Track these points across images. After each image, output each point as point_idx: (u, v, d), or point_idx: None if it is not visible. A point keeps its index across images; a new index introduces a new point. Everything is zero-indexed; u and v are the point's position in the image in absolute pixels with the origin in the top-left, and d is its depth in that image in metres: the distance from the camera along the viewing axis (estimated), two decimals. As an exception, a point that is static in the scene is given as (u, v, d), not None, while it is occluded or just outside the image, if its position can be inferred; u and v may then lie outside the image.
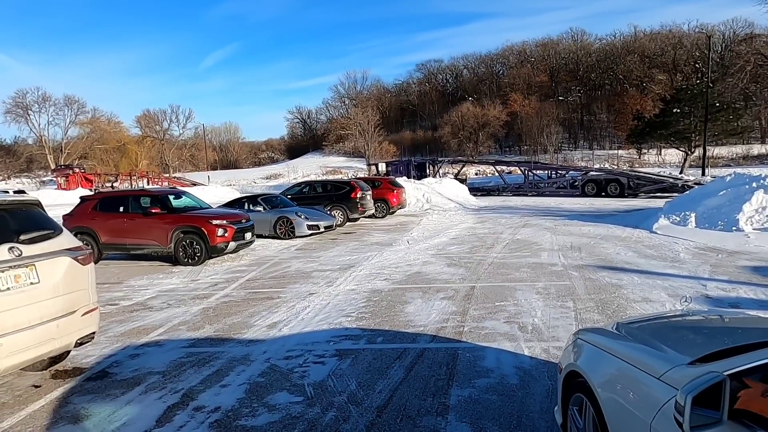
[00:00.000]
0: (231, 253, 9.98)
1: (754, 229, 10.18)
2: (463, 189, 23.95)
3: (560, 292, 6.38)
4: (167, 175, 57.46)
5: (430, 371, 4.04)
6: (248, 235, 10.15)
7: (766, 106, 52.50)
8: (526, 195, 26.26)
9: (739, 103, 40.36)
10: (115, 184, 41.05)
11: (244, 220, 10.17)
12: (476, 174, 44.31)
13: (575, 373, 2.49)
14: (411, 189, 20.56)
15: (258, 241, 11.45)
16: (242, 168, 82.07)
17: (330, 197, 15.55)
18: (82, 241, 4.58)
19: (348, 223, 15.38)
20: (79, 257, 4.08)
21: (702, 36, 48.14)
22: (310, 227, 12.58)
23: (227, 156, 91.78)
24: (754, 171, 14.54)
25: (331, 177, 45.03)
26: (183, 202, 10.62)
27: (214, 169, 74.88)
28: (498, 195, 27.16)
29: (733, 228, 10.33)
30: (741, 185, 11.74)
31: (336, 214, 14.60)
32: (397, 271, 8.12)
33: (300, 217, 12.56)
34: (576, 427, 2.51)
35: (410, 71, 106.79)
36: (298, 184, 17.86)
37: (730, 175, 13.56)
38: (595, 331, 2.67)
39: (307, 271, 8.37)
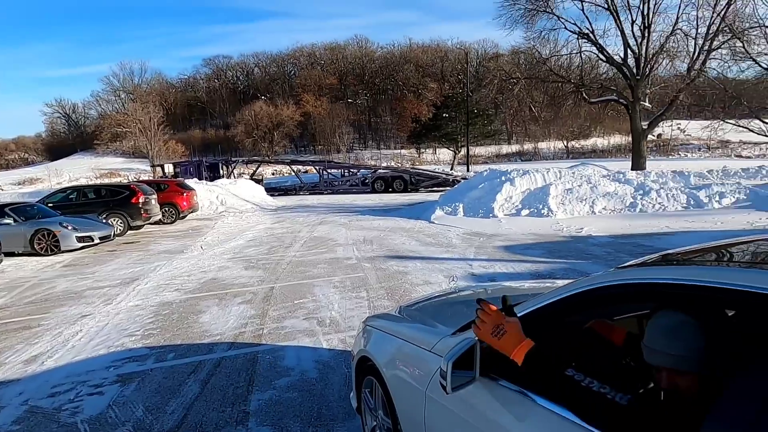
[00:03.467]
0: (-32, 278, 8.02)
1: (504, 215, 12.32)
2: (260, 189, 23.54)
3: (355, 283, 6.75)
4: None
5: (229, 380, 3.87)
6: (-7, 255, 8.28)
7: (511, 114, 63.93)
8: (322, 193, 27.10)
9: (490, 111, 48.33)
10: None
11: (-15, 237, 8.25)
12: (273, 174, 43.98)
13: (365, 358, 2.66)
14: (203, 191, 19.37)
15: (8, 261, 9.45)
16: (-18, 172, 66.38)
17: (106, 203, 13.65)
18: None
19: (130, 232, 13.73)
20: None
21: (462, 52, 56.24)
22: (80, 239, 10.84)
23: (-42, 157, 73.23)
24: (504, 167, 17.61)
25: (106, 181, 39.73)
26: None
27: (-61, 174, 59.03)
28: (295, 194, 27.44)
29: (490, 215, 12.35)
30: (494, 179, 14.10)
31: (114, 223, 12.91)
32: (190, 279, 7.57)
33: (66, 228, 10.73)
34: (368, 407, 2.69)
35: (196, 66, 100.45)
36: (63, 190, 15.27)
37: (486, 170, 16.17)
38: (381, 317, 2.89)
39: (78, 290, 7.21)
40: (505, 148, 59.50)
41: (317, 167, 29.93)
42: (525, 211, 12.31)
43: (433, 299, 3.24)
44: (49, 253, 10.55)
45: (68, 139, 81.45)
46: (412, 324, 2.49)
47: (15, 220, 10.72)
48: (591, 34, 22.26)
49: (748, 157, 36.45)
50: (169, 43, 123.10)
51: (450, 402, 1.82)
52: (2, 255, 8.72)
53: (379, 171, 28.31)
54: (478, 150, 51.22)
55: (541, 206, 12.19)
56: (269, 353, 4.40)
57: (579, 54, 23.72)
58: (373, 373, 2.57)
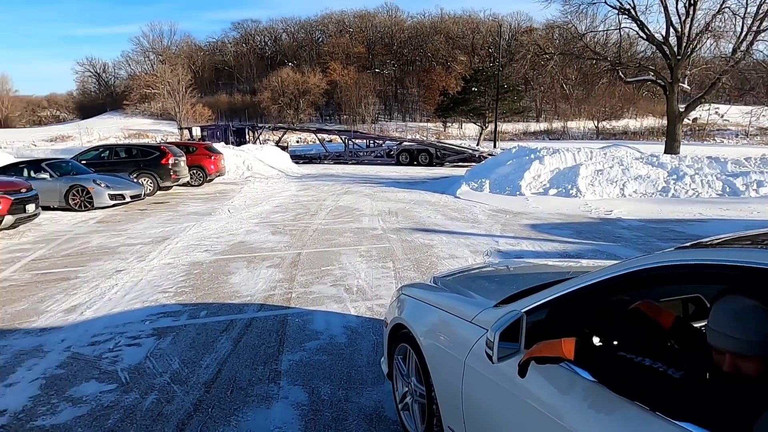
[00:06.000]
0: (7, 229, 8.32)
1: (532, 194, 12.16)
2: (285, 156, 23.67)
3: (381, 254, 6.80)
4: None
5: (260, 340, 3.98)
6: (31, 208, 8.57)
7: (541, 90, 62.38)
8: (347, 163, 27.07)
9: (521, 87, 47.24)
10: None
11: (24, 190, 8.55)
12: (297, 141, 44.06)
13: (400, 326, 2.70)
14: (230, 155, 19.56)
15: (45, 215, 9.75)
16: (15, 128, 68.07)
17: (136, 163, 13.90)
18: None
19: (159, 192, 14.02)
20: None
21: (494, 24, 54.69)
22: (112, 197, 11.12)
23: (-7, 112, 75.05)
24: (532, 145, 17.29)
25: (136, 141, 40.38)
26: (-69, 167, 8.43)
27: (-25, 127, 60.76)
28: (320, 163, 27.48)
29: (517, 192, 12.20)
30: (523, 156, 13.87)
31: (144, 183, 13.17)
32: (219, 241, 7.72)
33: (99, 185, 11.00)
34: (401, 373, 2.74)
35: (225, 30, 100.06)
36: (95, 148, 15.61)
37: (514, 147, 15.90)
38: (416, 286, 2.92)
39: (113, 246, 7.44)
40: (533, 126, 58.26)
41: (343, 137, 29.79)
42: (553, 191, 12.13)
43: (465, 272, 3.25)
44: (83, 209, 10.86)
45: (98, 98, 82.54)
46: (449, 294, 2.50)
47: (51, 176, 11.04)
48: (632, 10, 21.35)
49: (789, 146, 35.04)
50: (199, 5, 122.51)
51: (490, 372, 1.84)
52: (40, 209, 9.00)
53: (405, 143, 28.07)
54: (505, 126, 50.29)
55: (569, 186, 11.99)
56: (298, 316, 4.49)
57: (618, 30, 22.84)
58: (408, 341, 2.61)
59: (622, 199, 11.39)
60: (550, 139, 47.28)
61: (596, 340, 1.62)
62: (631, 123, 53.99)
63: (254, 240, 7.79)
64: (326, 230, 8.51)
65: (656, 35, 21.57)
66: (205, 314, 4.59)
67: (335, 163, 27.09)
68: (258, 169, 19.96)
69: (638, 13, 21.33)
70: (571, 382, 1.55)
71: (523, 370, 1.62)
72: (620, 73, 23.39)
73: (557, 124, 56.73)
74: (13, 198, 8.08)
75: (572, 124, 55.30)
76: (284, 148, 27.15)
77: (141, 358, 3.68)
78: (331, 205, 11.52)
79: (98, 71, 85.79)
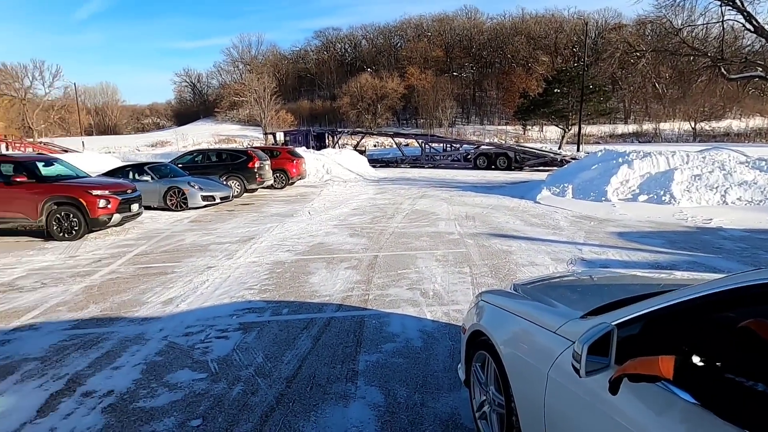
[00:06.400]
0: (115, 226, 9.18)
1: (619, 200, 11.48)
2: (363, 160, 24.12)
3: (457, 258, 6.73)
4: (31, 140, 50.78)
5: (338, 339, 4.08)
6: (135, 207, 9.39)
7: (630, 91, 58.82)
8: (423, 167, 27.09)
9: (607, 87, 44.79)
10: (-36, 149, 35.31)
11: (129, 191, 9.37)
12: (375, 146, 44.78)
13: (479, 333, 2.65)
14: (311, 159, 20.28)
15: (146, 213, 10.65)
16: (123, 134, 75.11)
17: (226, 167, 14.80)
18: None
19: (245, 194, 14.82)
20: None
21: (580, 22, 52.34)
22: (204, 198, 11.92)
23: (104, 120, 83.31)
24: (620, 148, 16.32)
25: (225, 146, 42.97)
26: (55, 170, 9.48)
27: (90, 134, 67.69)
28: (396, 167, 27.73)
29: (603, 198, 11.57)
30: (610, 160, 13.13)
31: (232, 185, 13.98)
32: (300, 242, 8.02)
33: (193, 187, 11.84)
34: (479, 381, 2.69)
35: (308, 38, 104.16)
36: (190, 153, 16.76)
37: (600, 151, 15.10)
38: (496, 293, 2.85)
39: (204, 244, 7.96)
40: (621, 128, 55.02)
41: (419, 141, 29.85)
42: (642, 197, 11.37)
43: (547, 280, 3.14)
44: (178, 209, 11.73)
45: (193, 106, 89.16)
46: (531, 303, 2.42)
47: (152, 178, 12.05)
48: (738, 0, 19.55)
49: None
50: (284, 16, 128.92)
51: (576, 386, 1.76)
52: (142, 208, 9.84)
53: (483, 147, 27.57)
54: (590, 129, 47.92)
55: (662, 192, 11.18)
56: (375, 318, 4.55)
57: (720, 23, 20.98)
58: (486, 348, 2.56)
59: (723, 206, 10.44)
60: (639, 142, 44.42)
61: (696, 360, 1.50)
62: (735, 124, 49.38)
63: (333, 241, 8.00)
64: (403, 234, 8.55)
65: (766, 27, 19.58)
66: (286, 312, 4.78)
67: (412, 167, 27.21)
68: (337, 172, 20.52)
69: (744, 4, 19.50)
70: (667, 403, 1.45)
71: (614, 387, 1.53)
72: (722, 70, 21.48)
73: (648, 126, 53.16)
74: (120, 198, 8.90)
75: (665, 126, 51.59)
76: (362, 152, 27.71)
77: (229, 350, 3.90)
78: (407, 208, 11.57)
79: (193, 81, 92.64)
